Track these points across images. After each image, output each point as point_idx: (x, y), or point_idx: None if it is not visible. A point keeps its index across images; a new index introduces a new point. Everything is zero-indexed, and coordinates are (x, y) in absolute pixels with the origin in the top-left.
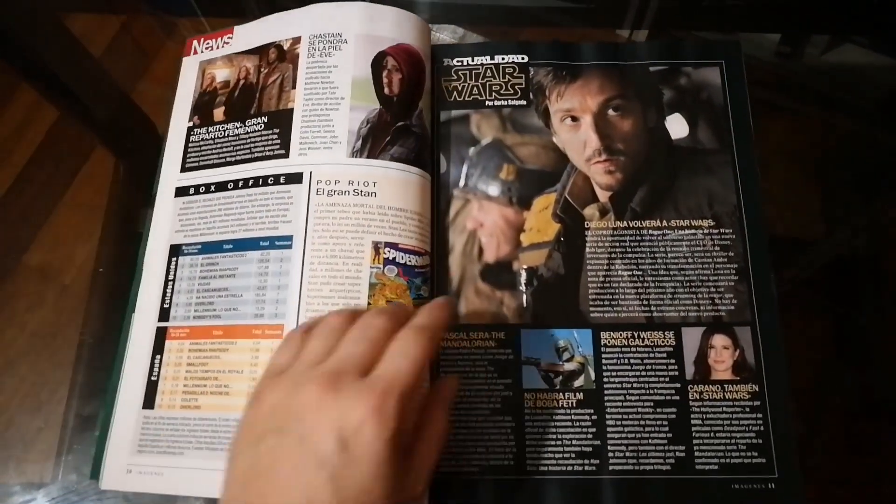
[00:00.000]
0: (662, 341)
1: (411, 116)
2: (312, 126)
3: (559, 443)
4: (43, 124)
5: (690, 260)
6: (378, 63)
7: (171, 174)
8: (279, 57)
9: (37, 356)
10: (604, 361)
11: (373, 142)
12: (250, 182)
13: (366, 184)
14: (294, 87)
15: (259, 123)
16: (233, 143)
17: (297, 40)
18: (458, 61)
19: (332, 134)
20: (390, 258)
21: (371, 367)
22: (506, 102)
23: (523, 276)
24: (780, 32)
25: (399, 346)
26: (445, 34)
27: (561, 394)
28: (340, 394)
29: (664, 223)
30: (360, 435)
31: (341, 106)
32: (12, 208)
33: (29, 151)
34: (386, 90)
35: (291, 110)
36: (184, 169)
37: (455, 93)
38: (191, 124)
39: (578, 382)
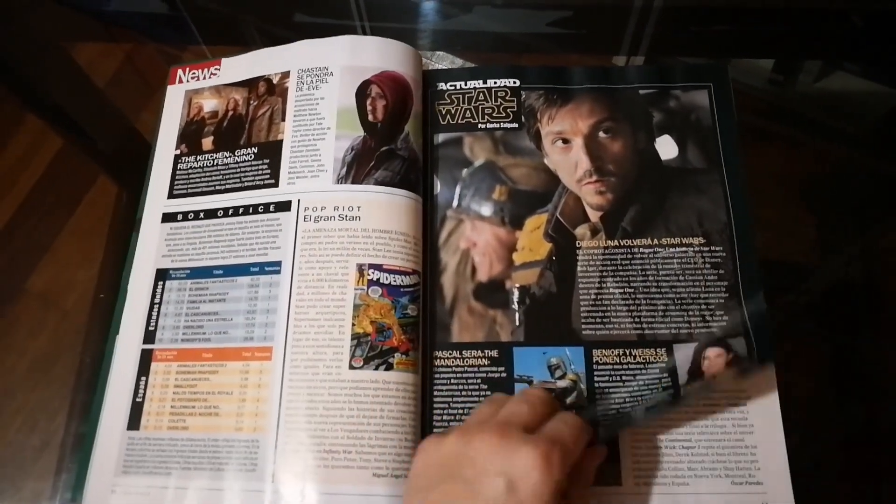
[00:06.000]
0: (654, 358)
1: (396, 140)
2: (300, 156)
3: None
4: (48, 152)
5: (681, 277)
6: (362, 92)
7: (157, 200)
8: (269, 90)
9: (35, 383)
10: (596, 378)
11: (357, 168)
12: (241, 210)
13: (350, 208)
14: (283, 120)
15: (249, 154)
16: (222, 172)
17: (286, 74)
18: (451, 85)
19: (319, 163)
20: (374, 279)
21: (535, 427)
22: (498, 125)
23: (516, 295)
24: (773, 58)
25: (561, 416)
26: (444, 64)
27: None
28: (510, 442)
29: (655, 241)
30: (528, 479)
31: (327, 136)
32: (16, 235)
33: (33, 178)
34: (370, 117)
35: (281, 142)
36: (171, 195)
37: (448, 116)
38: (178, 152)
39: (571, 399)
